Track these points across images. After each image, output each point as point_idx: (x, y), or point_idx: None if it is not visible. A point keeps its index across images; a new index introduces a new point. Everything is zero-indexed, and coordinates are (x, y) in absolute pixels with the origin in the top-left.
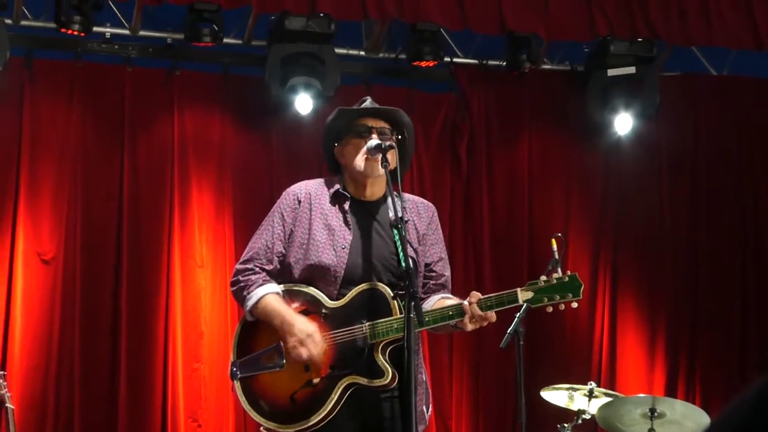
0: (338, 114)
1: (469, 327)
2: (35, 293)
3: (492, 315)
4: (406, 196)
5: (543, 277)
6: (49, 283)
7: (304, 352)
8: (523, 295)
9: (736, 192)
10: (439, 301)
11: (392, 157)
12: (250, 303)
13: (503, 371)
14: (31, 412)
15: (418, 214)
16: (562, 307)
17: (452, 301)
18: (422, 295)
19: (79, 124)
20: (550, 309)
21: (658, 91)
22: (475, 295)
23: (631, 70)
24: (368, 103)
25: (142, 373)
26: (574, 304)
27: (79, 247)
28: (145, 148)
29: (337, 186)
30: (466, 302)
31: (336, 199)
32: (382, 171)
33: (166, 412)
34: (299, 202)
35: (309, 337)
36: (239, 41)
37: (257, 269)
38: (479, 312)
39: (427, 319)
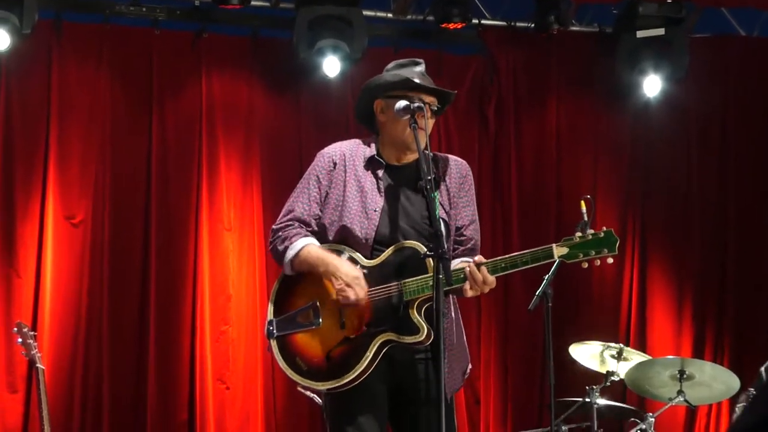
0: (401, 81)
1: (469, 293)
2: (64, 256)
3: (492, 279)
4: (440, 155)
5: (578, 233)
6: (77, 246)
7: (351, 294)
8: (559, 251)
9: (765, 155)
10: (458, 264)
11: (430, 125)
12: (291, 253)
13: (531, 333)
14: (61, 373)
15: (450, 174)
16: (598, 262)
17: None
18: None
19: (108, 87)
20: (585, 265)
21: (688, 53)
22: (479, 260)
23: (660, 31)
24: (422, 69)
25: (171, 335)
26: (610, 260)
27: (107, 210)
28: (173, 111)
29: (372, 151)
30: (466, 266)
31: (370, 164)
32: (424, 141)
33: (194, 374)
34: (334, 164)
35: (356, 279)
36: (267, 4)
37: (296, 225)
38: (479, 276)
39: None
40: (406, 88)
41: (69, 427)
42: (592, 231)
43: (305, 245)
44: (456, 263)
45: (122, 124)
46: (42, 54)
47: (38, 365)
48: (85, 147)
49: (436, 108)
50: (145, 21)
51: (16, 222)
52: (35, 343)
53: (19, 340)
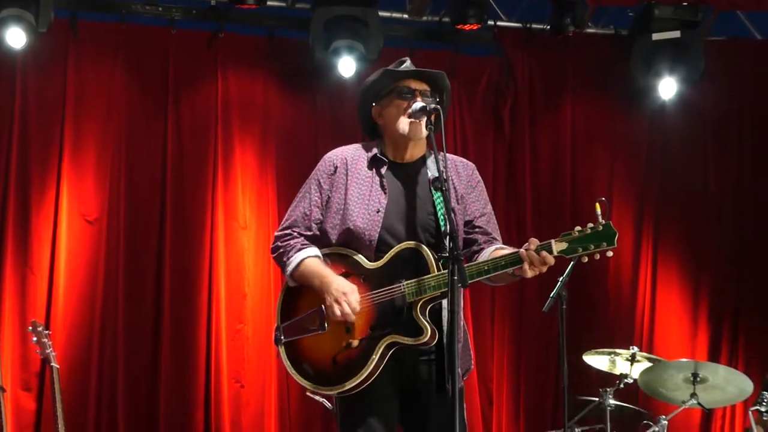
0: (382, 75)
1: (529, 273)
2: (79, 254)
3: (550, 257)
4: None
5: (578, 228)
6: (92, 243)
7: (337, 310)
8: (558, 246)
9: None
10: (494, 251)
11: (435, 119)
12: (290, 267)
13: (545, 335)
14: (76, 372)
15: (458, 174)
16: (597, 256)
17: (507, 250)
18: (475, 249)
19: (124, 86)
20: (585, 259)
21: (703, 56)
22: (534, 242)
23: (676, 34)
24: (408, 64)
25: (186, 333)
26: (609, 253)
27: (123, 208)
28: (189, 111)
29: (375, 150)
30: (522, 250)
31: (373, 164)
32: (425, 133)
33: (209, 372)
34: (335, 168)
35: (344, 295)
36: (283, 4)
37: (296, 234)
38: (536, 256)
39: (486, 267)
40: (392, 79)
41: (84, 426)
42: (591, 225)
43: (303, 259)
44: (490, 251)
45: (138, 123)
46: (58, 53)
47: (53, 364)
48: (101, 146)
49: (430, 94)
50: (162, 20)
51: (31, 219)
52: (50, 342)
53: (34, 339)
